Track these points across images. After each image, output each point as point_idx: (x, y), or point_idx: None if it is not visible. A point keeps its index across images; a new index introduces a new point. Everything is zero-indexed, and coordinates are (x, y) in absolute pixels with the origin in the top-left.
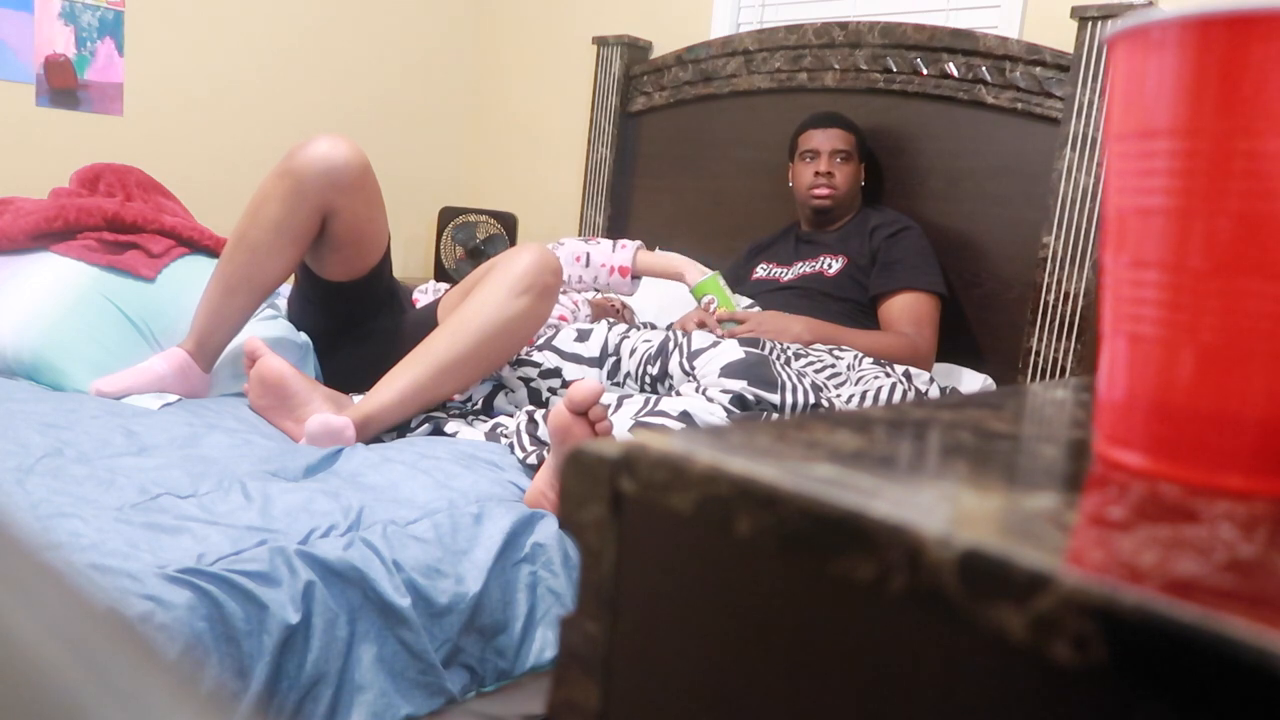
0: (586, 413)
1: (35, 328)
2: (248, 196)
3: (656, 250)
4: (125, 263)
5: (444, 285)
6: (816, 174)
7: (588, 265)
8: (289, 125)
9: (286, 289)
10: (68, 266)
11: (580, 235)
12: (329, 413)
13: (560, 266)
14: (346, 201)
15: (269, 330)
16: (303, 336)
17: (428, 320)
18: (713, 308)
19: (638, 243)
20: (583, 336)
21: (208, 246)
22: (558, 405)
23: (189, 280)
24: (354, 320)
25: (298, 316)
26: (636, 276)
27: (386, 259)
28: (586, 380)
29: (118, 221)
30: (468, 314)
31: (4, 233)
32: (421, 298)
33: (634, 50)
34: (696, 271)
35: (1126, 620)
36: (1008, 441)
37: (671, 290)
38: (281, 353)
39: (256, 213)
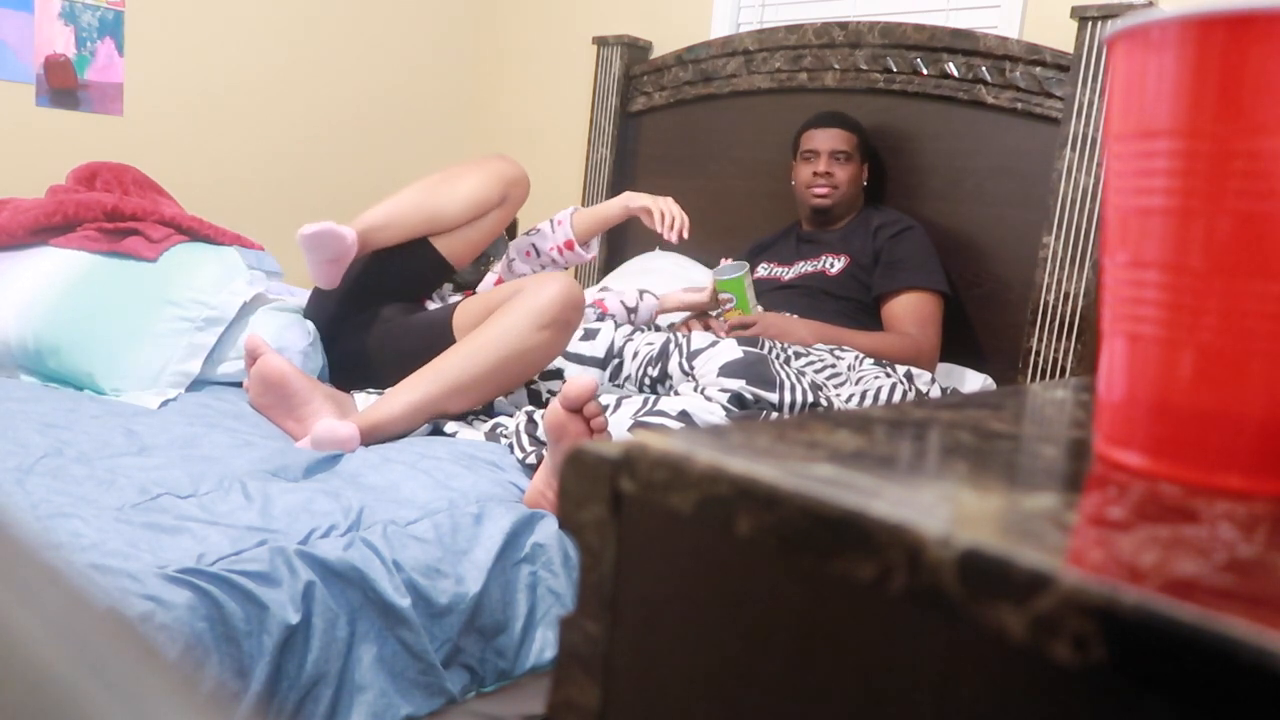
0: (581, 410)
1: (36, 311)
2: (247, 197)
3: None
4: (126, 247)
5: (449, 285)
6: (815, 174)
7: (539, 256)
8: (289, 125)
9: (306, 292)
10: (68, 256)
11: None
12: (333, 417)
13: (583, 300)
14: (503, 214)
15: (277, 319)
16: (310, 327)
17: (440, 326)
18: (728, 306)
19: (570, 208)
20: (589, 335)
21: (207, 235)
22: (553, 403)
23: (191, 261)
24: (375, 295)
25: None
26: (585, 242)
27: (448, 267)
28: (581, 376)
29: (117, 214)
30: (487, 338)
31: (3, 228)
32: None
33: (634, 50)
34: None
35: (1126, 620)
36: (1008, 441)
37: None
38: (288, 341)
39: (456, 178)
